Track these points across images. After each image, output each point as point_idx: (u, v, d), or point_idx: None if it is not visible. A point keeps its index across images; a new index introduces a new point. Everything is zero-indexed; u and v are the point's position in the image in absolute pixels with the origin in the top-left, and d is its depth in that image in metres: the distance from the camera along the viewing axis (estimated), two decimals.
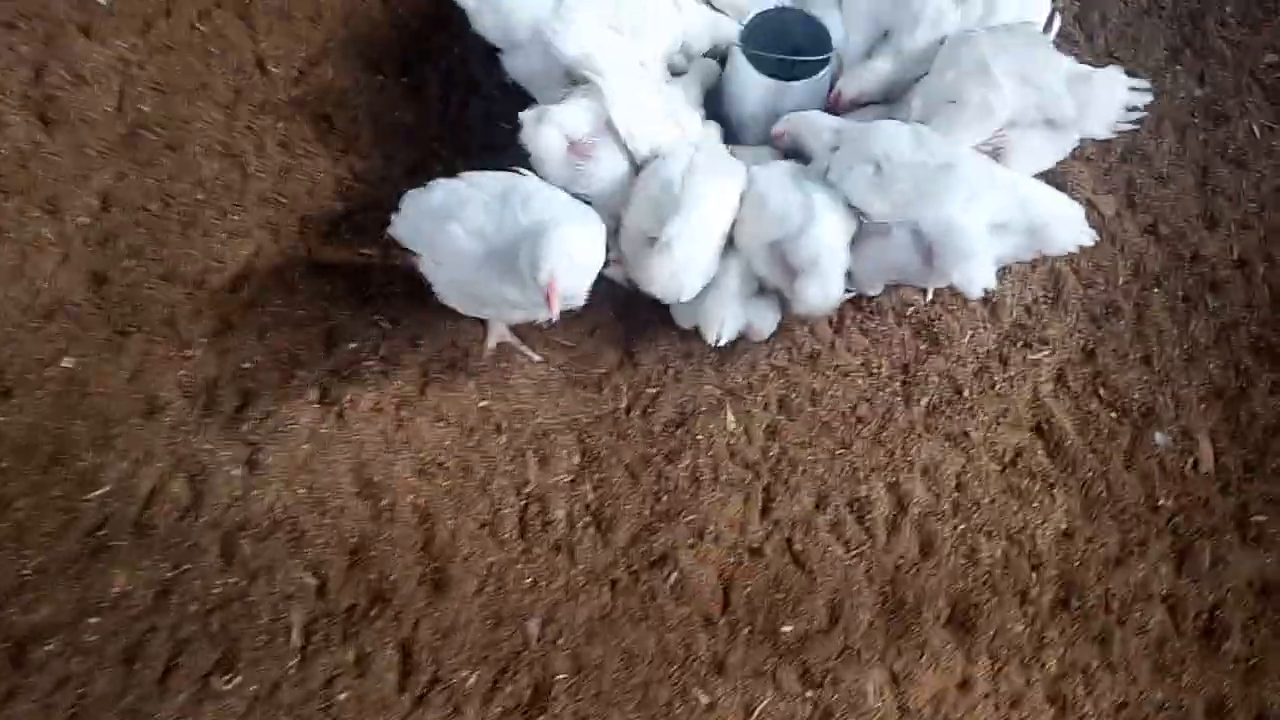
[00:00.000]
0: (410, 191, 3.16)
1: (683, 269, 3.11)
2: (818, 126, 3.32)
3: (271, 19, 4.03)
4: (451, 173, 3.58)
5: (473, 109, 3.88)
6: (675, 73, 3.71)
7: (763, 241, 3.16)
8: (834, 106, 3.60)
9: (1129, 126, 3.26)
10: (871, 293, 3.45)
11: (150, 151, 3.73)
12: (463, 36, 3.82)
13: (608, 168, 3.28)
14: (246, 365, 3.41)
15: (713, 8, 3.76)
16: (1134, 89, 3.22)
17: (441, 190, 3.07)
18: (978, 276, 3.09)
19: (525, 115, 3.22)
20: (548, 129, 3.18)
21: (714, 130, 3.56)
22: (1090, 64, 3.88)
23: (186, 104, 3.83)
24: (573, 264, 2.83)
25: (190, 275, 3.54)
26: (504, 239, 2.96)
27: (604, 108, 3.18)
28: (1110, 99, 3.21)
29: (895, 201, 3.08)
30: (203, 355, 3.41)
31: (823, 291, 3.10)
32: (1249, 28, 4.21)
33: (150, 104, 3.82)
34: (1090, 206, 3.78)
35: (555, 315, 2.82)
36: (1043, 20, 3.57)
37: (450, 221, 2.99)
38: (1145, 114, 3.24)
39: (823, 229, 3.05)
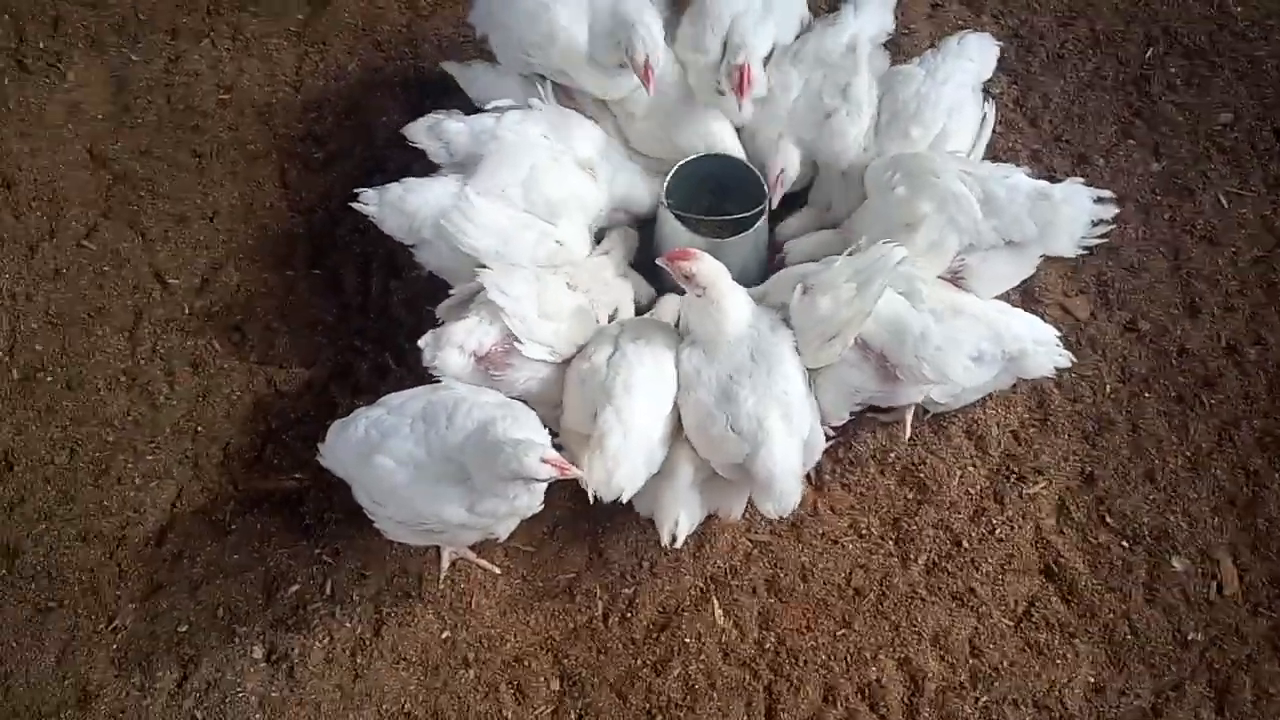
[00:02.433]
0: (336, 422, 2.87)
1: (617, 465, 2.80)
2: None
3: (165, 225, 3.73)
4: (381, 373, 3.35)
5: (394, 295, 3.59)
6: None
7: (719, 462, 2.91)
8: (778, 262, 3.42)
9: (1096, 241, 3.02)
10: (838, 423, 3.14)
11: (50, 396, 3.42)
12: None
13: (527, 372, 3.02)
14: (182, 629, 3.11)
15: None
16: (1099, 200, 2.98)
17: (364, 421, 2.79)
18: (950, 361, 2.82)
19: (424, 340, 2.94)
20: (448, 352, 2.91)
21: (629, 292, 3.33)
22: (1038, 150, 3.73)
23: (84, 335, 3.53)
24: (538, 441, 2.60)
25: (109, 532, 3.23)
26: (437, 462, 2.69)
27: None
28: (1073, 215, 2.99)
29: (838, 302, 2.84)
30: (133, 624, 3.11)
31: (778, 506, 2.84)
32: (1197, 88, 4.00)
33: (43, 340, 3.52)
34: (1064, 311, 3.55)
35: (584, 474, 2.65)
36: (971, 133, 3.34)
37: (377, 454, 2.71)
38: (1113, 226, 2.99)
39: (774, 451, 2.76)
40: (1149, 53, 4.11)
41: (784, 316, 2.96)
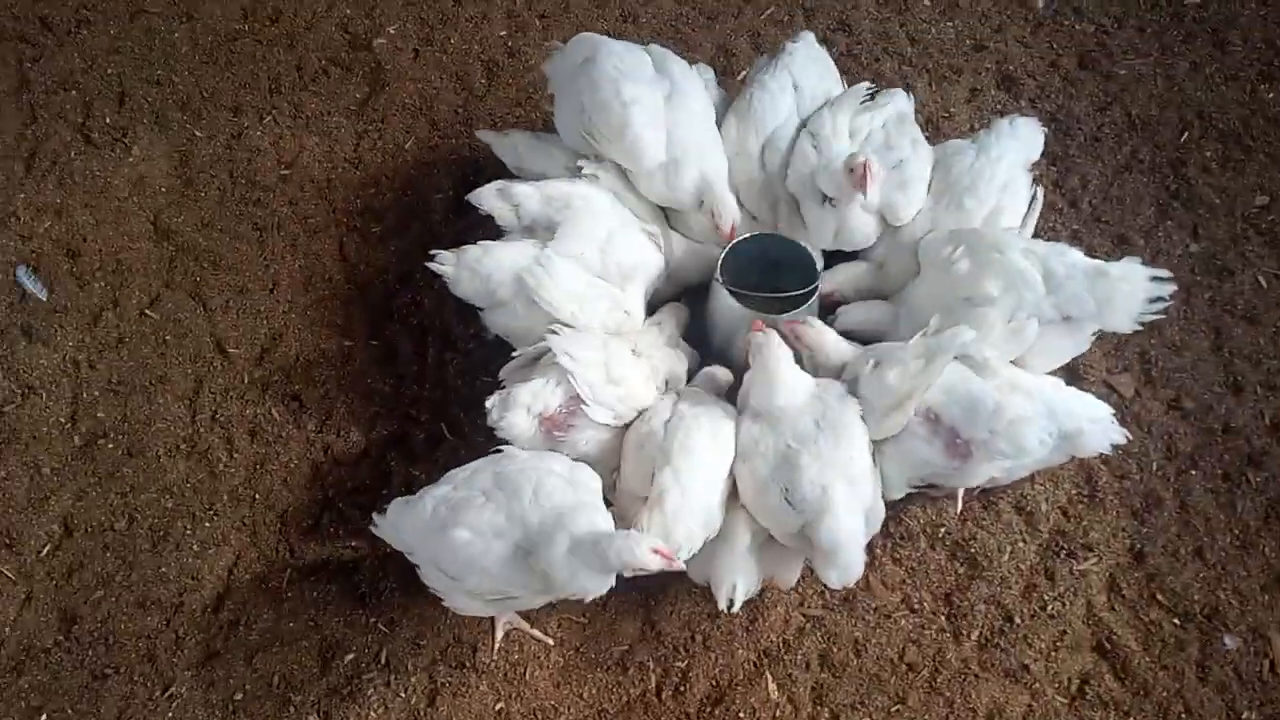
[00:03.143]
0: (396, 500, 2.91)
1: (676, 524, 2.84)
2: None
3: (227, 296, 3.83)
4: (435, 442, 3.40)
5: (449, 366, 3.66)
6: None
7: (777, 532, 2.95)
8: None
9: (1153, 317, 3.07)
10: (895, 497, 3.18)
11: (110, 462, 3.48)
12: (430, 289, 3.66)
13: (589, 434, 3.08)
14: (238, 697, 3.12)
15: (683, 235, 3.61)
16: (1155, 279, 3.04)
17: (430, 500, 2.83)
18: (1024, 431, 2.84)
19: (491, 401, 3.01)
20: (516, 413, 2.98)
21: (682, 363, 3.39)
22: (1078, 230, 3.81)
23: (145, 402, 3.61)
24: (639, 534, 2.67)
25: (166, 599, 3.27)
26: (524, 529, 2.71)
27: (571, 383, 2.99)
28: (1131, 292, 3.04)
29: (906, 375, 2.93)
30: (188, 693, 3.13)
31: (842, 576, 2.83)
32: (1233, 170, 4.09)
33: (105, 408, 3.59)
34: (1109, 389, 3.59)
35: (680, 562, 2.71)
36: (1021, 212, 3.44)
37: (452, 529, 2.73)
38: (1169, 302, 3.05)
39: (839, 519, 2.78)
40: (1184, 136, 4.22)
41: (852, 389, 3.02)
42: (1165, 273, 3.05)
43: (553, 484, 2.77)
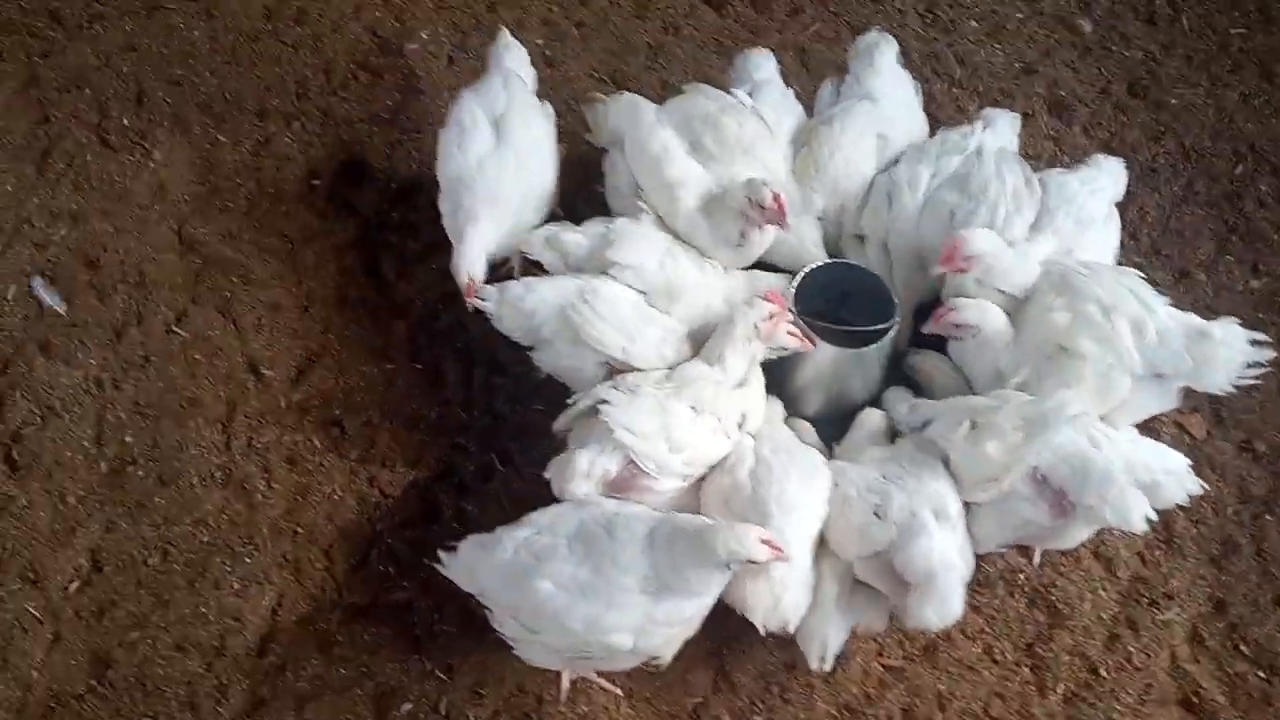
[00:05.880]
0: (470, 538, 2.74)
1: (784, 590, 2.70)
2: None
3: (258, 312, 3.61)
4: (486, 474, 3.23)
5: (498, 392, 3.47)
6: None
7: (861, 554, 2.79)
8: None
9: (1250, 381, 2.96)
10: (983, 551, 3.03)
11: (140, 491, 3.26)
12: (475, 311, 3.45)
13: (661, 490, 2.90)
14: None
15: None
16: (1254, 343, 2.92)
17: (510, 544, 2.65)
18: (1132, 504, 2.71)
19: (549, 472, 2.87)
20: (575, 484, 2.79)
21: (778, 408, 3.25)
22: (1140, 264, 3.72)
23: (176, 426, 3.38)
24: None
25: (206, 641, 3.06)
26: (605, 583, 2.54)
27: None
28: (1230, 356, 2.92)
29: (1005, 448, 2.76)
30: None
31: (940, 613, 2.68)
32: None
33: (134, 431, 3.36)
34: (1180, 430, 3.51)
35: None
36: (1114, 249, 3.34)
37: (535, 578, 2.57)
38: (1268, 369, 2.94)
39: (932, 543, 2.66)
40: (1238, 169, 4.17)
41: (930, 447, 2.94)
42: (1264, 337, 2.94)
43: (631, 520, 2.61)
